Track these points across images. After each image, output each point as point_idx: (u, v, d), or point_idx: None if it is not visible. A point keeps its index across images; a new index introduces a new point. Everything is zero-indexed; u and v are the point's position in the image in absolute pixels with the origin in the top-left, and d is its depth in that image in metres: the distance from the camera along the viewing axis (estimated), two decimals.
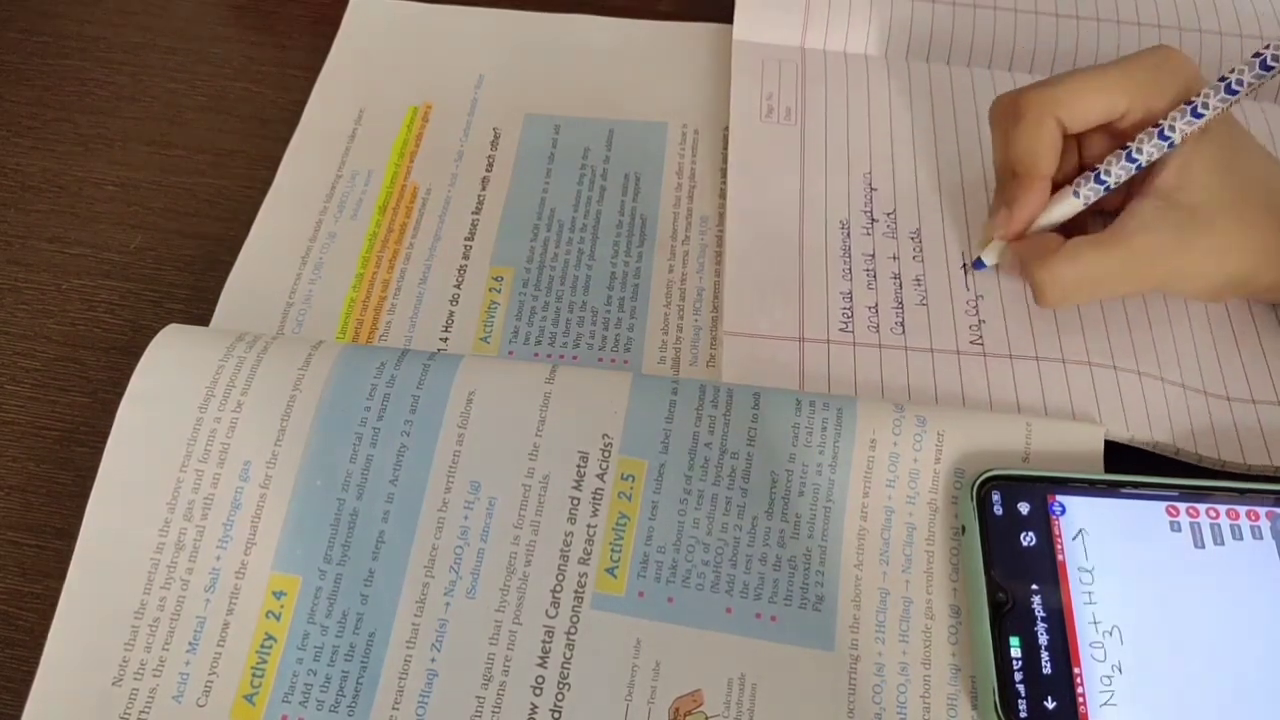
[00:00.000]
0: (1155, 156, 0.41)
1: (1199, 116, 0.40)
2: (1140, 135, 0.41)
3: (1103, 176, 0.42)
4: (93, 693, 0.36)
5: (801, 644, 0.37)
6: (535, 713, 0.35)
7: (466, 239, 0.48)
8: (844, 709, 0.36)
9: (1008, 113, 0.43)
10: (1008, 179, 0.44)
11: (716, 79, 0.54)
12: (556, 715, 0.35)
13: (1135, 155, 0.41)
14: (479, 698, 0.36)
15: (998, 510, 0.38)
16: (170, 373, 0.41)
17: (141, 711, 0.36)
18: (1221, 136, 0.41)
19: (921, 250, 0.47)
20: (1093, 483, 0.38)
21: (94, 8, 0.58)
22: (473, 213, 0.49)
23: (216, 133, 0.53)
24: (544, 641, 0.36)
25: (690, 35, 0.56)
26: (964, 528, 0.38)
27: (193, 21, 0.57)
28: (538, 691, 0.36)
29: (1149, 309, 0.45)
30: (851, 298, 0.45)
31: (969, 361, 0.43)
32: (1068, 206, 0.43)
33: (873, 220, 0.48)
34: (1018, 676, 0.35)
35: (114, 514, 0.38)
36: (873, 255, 0.47)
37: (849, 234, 0.47)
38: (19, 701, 0.36)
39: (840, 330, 0.44)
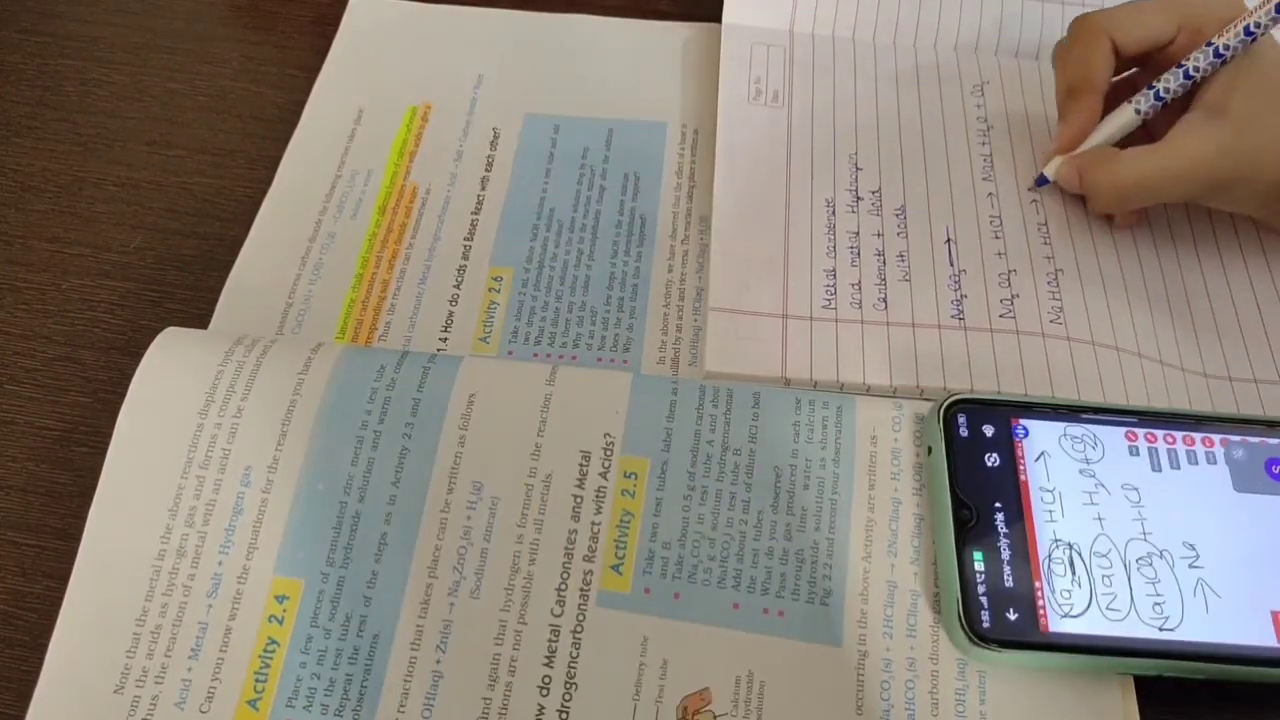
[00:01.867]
0: (1208, 72, 0.43)
1: (1251, 35, 0.42)
2: (1194, 52, 0.44)
3: (1157, 88, 0.45)
4: (95, 700, 0.36)
5: (809, 639, 0.36)
6: (542, 713, 0.35)
7: (466, 239, 0.48)
8: (852, 706, 0.36)
9: (1065, 40, 0.47)
10: (1066, 98, 0.47)
11: (716, 79, 0.53)
12: (564, 715, 0.35)
13: (1190, 71, 0.44)
14: (485, 699, 0.35)
15: (963, 432, 0.39)
16: (169, 379, 0.41)
17: (144, 718, 0.35)
18: (1269, 56, 0.44)
19: (905, 227, 0.47)
20: (1055, 407, 0.39)
21: (94, 8, 0.58)
22: (472, 213, 0.49)
23: (216, 133, 0.53)
24: (550, 640, 0.36)
25: (690, 35, 0.56)
26: (930, 449, 0.39)
27: (193, 21, 0.57)
28: (544, 692, 0.36)
29: (1148, 286, 0.46)
30: (835, 275, 0.46)
31: (950, 335, 0.44)
32: (1124, 118, 0.46)
33: (858, 198, 0.48)
34: (980, 589, 0.36)
35: (116, 521, 0.38)
36: (857, 233, 0.47)
37: (834, 212, 0.48)
38: (20, 701, 0.36)
39: (823, 307, 0.45)
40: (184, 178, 0.51)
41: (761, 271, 0.45)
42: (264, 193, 0.49)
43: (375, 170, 0.50)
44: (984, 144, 0.50)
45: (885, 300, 0.45)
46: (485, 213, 0.49)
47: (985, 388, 0.42)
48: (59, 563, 0.38)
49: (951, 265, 0.46)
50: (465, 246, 0.48)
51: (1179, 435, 0.39)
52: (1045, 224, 0.47)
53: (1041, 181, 0.48)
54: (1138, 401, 0.42)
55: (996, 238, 0.47)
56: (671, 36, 0.56)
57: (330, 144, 0.51)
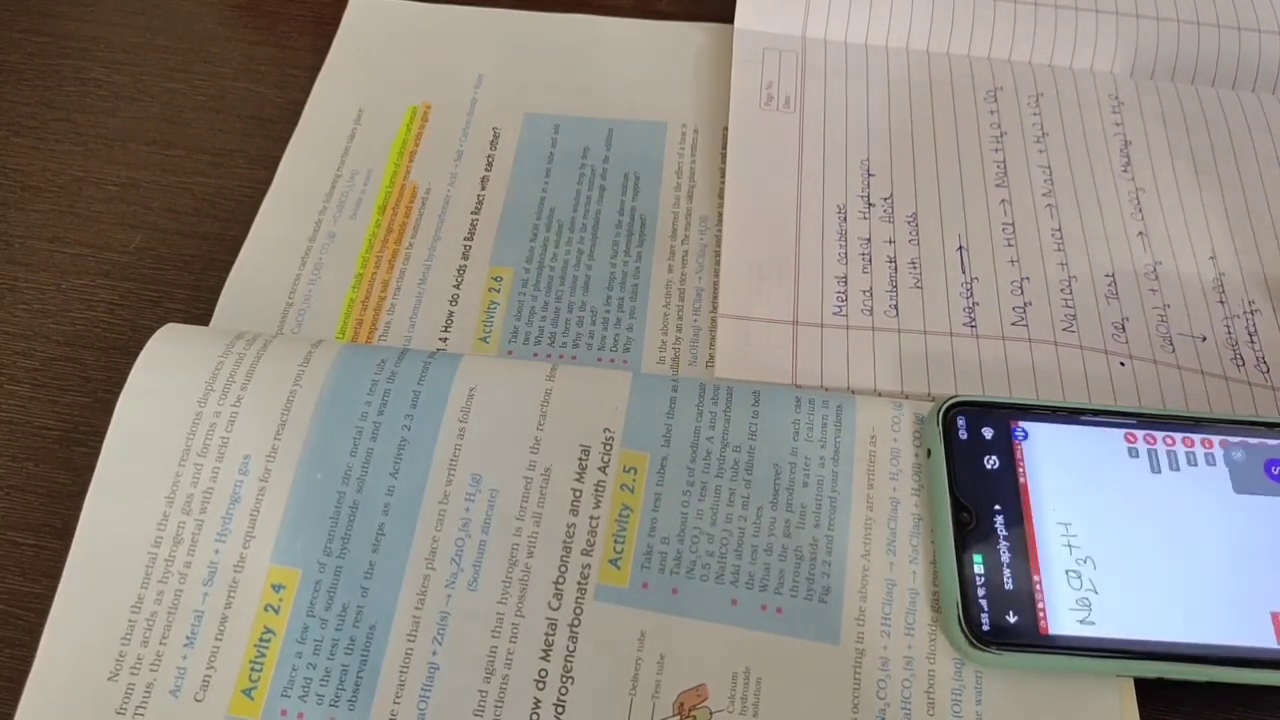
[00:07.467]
0: None
1: None
2: None
3: None
4: (89, 687, 0.36)
5: (807, 637, 0.36)
6: (538, 707, 0.35)
7: (466, 239, 0.48)
8: (848, 704, 0.35)
9: None
10: None
11: (716, 79, 0.54)
12: (560, 709, 0.35)
13: None
14: (481, 691, 0.35)
15: (963, 435, 0.39)
16: (169, 368, 0.41)
17: (138, 706, 0.35)
18: None
19: (918, 233, 0.47)
20: (1055, 410, 0.39)
21: (94, 8, 0.58)
22: (472, 212, 0.49)
23: (216, 132, 0.53)
24: (547, 634, 0.36)
25: (690, 35, 0.56)
26: (929, 451, 0.39)
27: (192, 21, 0.57)
28: (540, 685, 0.35)
29: (1164, 287, 0.46)
30: (846, 282, 0.45)
31: (962, 343, 0.44)
32: None
33: (869, 205, 0.48)
34: (980, 592, 0.36)
35: (112, 508, 0.38)
36: (869, 239, 0.47)
37: (845, 218, 0.48)
38: (16, 700, 0.36)
39: (834, 314, 0.44)
40: (184, 178, 0.51)
41: (772, 278, 0.45)
42: (264, 193, 0.49)
43: (375, 170, 0.50)
44: (997, 150, 0.50)
45: (897, 307, 0.45)
46: (485, 213, 0.49)
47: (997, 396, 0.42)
48: (58, 563, 0.38)
49: (964, 273, 0.46)
50: (465, 246, 0.48)
51: (1178, 437, 0.39)
52: (1059, 230, 0.47)
53: None
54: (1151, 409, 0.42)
55: (1009, 245, 0.47)
56: (672, 36, 0.56)
57: (330, 144, 0.51)
